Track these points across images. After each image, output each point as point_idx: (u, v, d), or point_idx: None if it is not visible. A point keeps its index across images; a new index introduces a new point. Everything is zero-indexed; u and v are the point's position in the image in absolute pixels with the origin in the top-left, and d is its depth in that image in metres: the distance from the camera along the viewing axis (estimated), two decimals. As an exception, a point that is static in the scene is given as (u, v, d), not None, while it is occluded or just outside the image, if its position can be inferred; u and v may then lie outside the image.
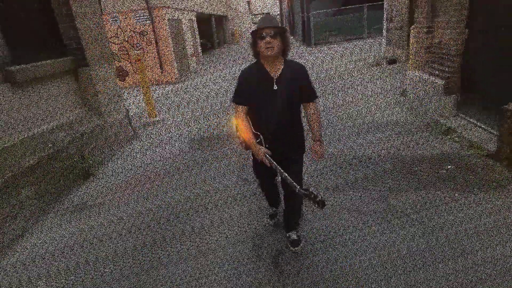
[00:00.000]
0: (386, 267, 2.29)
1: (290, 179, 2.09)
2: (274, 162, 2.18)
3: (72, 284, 2.52)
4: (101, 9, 5.91)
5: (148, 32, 11.75)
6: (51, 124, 4.19)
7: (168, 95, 10.13)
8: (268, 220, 2.96)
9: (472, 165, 3.45)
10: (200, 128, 6.11)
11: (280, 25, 2.18)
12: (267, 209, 3.02)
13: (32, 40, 4.27)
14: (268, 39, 2.08)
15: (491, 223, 2.54)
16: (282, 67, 2.22)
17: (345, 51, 13.97)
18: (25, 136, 3.77)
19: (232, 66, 14.39)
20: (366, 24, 17.83)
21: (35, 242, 3.19)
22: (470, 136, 3.92)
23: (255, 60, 2.28)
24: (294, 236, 2.63)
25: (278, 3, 36.31)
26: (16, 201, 3.39)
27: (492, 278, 2.08)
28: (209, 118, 6.81)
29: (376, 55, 11.46)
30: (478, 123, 4.04)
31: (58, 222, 3.50)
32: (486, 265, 2.18)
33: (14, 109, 3.69)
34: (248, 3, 43.59)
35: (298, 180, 2.22)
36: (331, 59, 12.33)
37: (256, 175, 2.73)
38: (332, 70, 10.11)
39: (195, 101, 8.73)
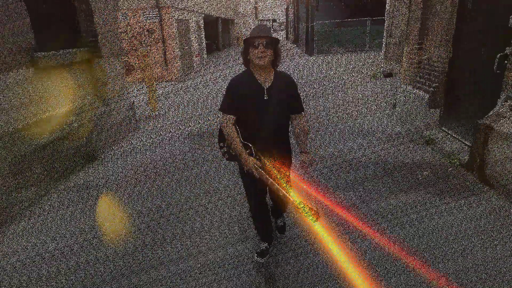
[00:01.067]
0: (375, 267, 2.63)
1: (283, 191, 2.09)
2: (265, 174, 2.15)
3: (72, 284, 2.52)
4: (117, 6, 6.26)
5: (156, 30, 12.12)
6: (64, 108, 4.52)
7: (170, 92, 10.48)
8: (257, 258, 2.56)
9: (446, 173, 3.81)
10: (198, 125, 6.46)
11: (272, 35, 2.18)
12: (257, 245, 2.69)
13: (54, 30, 4.61)
14: (261, 48, 2.07)
15: (459, 226, 2.87)
16: (273, 77, 2.21)
17: (345, 62, 14.39)
18: (42, 117, 4.09)
19: (233, 67, 14.76)
20: (368, 37, 18.31)
21: (41, 213, 3.51)
22: (448, 147, 4.28)
23: (245, 69, 2.26)
24: (280, 223, 2.81)
25: (284, 11, 36.91)
26: (28, 174, 3.71)
27: (457, 274, 2.42)
28: (208, 115, 7.16)
29: (375, 67, 11.87)
30: (456, 136, 4.40)
31: (63, 198, 3.82)
32: (452, 259, 2.52)
33: (35, 91, 4.01)
34: (255, 9, 44.19)
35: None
36: (331, 69, 12.73)
37: (247, 192, 2.50)
38: (331, 78, 10.51)
39: (196, 99, 9.07)
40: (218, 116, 7.16)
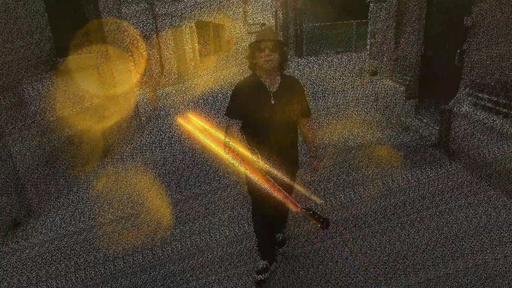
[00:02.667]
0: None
1: (290, 198, 2.09)
2: (271, 179, 2.12)
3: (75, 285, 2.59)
4: (121, 15, 6.80)
5: (152, 37, 12.64)
6: (80, 106, 5.03)
7: (169, 94, 11.01)
8: (255, 275, 2.39)
9: (419, 151, 4.43)
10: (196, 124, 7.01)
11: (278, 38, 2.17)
12: (256, 262, 2.50)
13: (70, 38, 5.13)
14: (267, 52, 2.05)
15: (425, 187, 3.49)
16: (279, 81, 2.19)
17: (333, 62, 15.10)
18: (62, 115, 4.60)
19: (224, 69, 15.34)
20: (354, 39, 19.08)
21: (70, 200, 4.03)
22: (422, 131, 4.91)
23: (251, 73, 2.23)
24: (280, 238, 2.69)
25: (273, 15, 37.66)
26: (58, 166, 4.22)
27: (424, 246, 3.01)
28: (205, 114, 7.73)
29: (361, 67, 12.56)
30: (429, 122, 5.03)
31: (84, 188, 4.35)
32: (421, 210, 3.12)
33: (56, 92, 4.52)
34: (244, 13, 44.89)
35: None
36: (320, 69, 13.41)
37: (253, 208, 2.42)
38: (319, 78, 11.16)
39: (192, 100, 9.63)
40: (213, 113, 7.72)
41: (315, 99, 8.00)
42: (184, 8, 15.25)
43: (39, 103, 4.08)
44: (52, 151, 4.15)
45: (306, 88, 9.31)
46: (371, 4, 11.13)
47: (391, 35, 5.97)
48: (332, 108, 7.11)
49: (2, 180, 3.31)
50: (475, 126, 3.58)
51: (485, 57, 3.52)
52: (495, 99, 3.39)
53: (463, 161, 3.80)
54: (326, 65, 14.46)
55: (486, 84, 3.55)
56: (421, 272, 2.34)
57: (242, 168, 2.17)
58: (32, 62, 4.03)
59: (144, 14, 12.31)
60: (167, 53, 12.95)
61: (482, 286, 2.18)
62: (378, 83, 7.28)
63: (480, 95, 3.64)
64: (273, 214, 2.37)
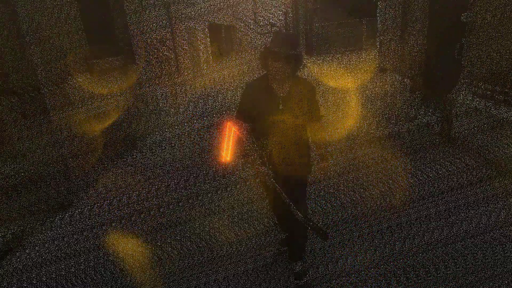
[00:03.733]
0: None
1: (294, 207, 2.05)
2: (278, 186, 2.09)
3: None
4: (143, 19, 7.31)
5: (168, 39, 13.19)
6: (112, 104, 5.55)
7: (185, 91, 11.58)
8: (280, 247, 2.60)
9: (423, 139, 4.78)
10: (209, 115, 7.50)
11: (296, 44, 2.10)
12: (278, 234, 2.67)
13: (100, 43, 5.65)
14: (281, 64, 1.99)
15: (427, 168, 3.85)
16: (290, 85, 2.13)
17: (344, 60, 15.40)
18: (96, 112, 5.12)
19: (235, 70, 15.85)
20: (364, 37, 19.29)
21: (104, 185, 4.53)
22: (427, 120, 5.24)
23: (263, 73, 2.19)
24: (297, 268, 2.35)
25: (283, 15, 38.01)
26: (91, 156, 4.73)
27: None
28: (217, 107, 8.24)
29: (371, 64, 12.84)
30: (433, 112, 5.36)
31: (117, 174, 4.85)
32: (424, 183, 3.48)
33: (89, 93, 5.04)
34: (254, 14, 45.37)
35: (302, 206, 2.18)
36: (330, 67, 13.74)
37: (271, 204, 2.43)
38: (330, 76, 11.50)
39: (206, 96, 10.15)
40: (224, 107, 8.17)
41: (325, 96, 8.38)
42: (197, 11, 15.80)
43: (80, 97, 4.60)
44: (91, 140, 4.67)
45: (317, 84, 9.71)
46: (379, 3, 11.43)
47: (397, 32, 6.30)
48: (341, 105, 7.48)
49: (52, 166, 3.82)
50: (473, 113, 3.92)
51: (480, 50, 3.86)
52: (490, 87, 3.72)
53: (463, 146, 4.13)
54: (336, 63, 14.78)
55: (482, 74, 3.89)
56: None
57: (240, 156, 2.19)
58: (72, 61, 4.54)
59: (162, 18, 12.87)
60: (182, 54, 13.49)
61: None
62: (386, 79, 7.61)
63: (477, 84, 3.98)
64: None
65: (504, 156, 3.40)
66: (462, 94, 4.19)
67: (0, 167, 3.32)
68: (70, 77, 4.42)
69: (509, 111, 3.38)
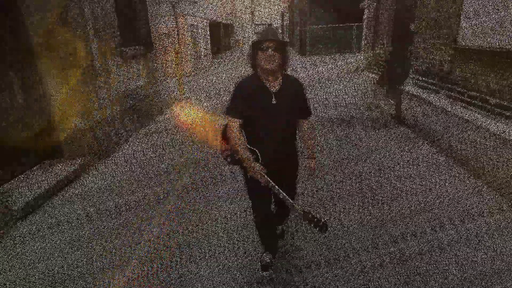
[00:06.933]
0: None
1: (289, 200, 2.08)
2: (271, 181, 2.11)
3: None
4: (159, 15, 8.55)
5: (172, 34, 14.43)
6: (136, 84, 6.81)
7: (187, 84, 12.82)
8: (261, 272, 2.42)
9: (382, 121, 6.16)
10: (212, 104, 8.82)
11: (281, 38, 2.14)
12: (259, 257, 2.52)
13: (127, 34, 6.90)
14: (269, 52, 2.04)
15: (379, 141, 5.21)
16: (281, 81, 2.18)
17: (333, 61, 16.83)
18: (128, 88, 6.38)
19: (233, 65, 17.13)
20: (354, 40, 20.78)
21: (130, 148, 5.82)
22: (387, 108, 6.63)
23: (253, 72, 2.22)
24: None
25: (280, 16, 39.48)
26: (123, 123, 6.01)
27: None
28: (214, 101, 9.52)
29: (356, 65, 14.29)
30: (393, 102, 6.75)
31: (141, 138, 6.14)
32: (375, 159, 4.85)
33: (120, 73, 6.29)
34: (252, 14, 46.70)
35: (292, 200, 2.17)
36: (320, 66, 15.15)
37: (251, 199, 2.38)
38: (320, 73, 12.90)
39: (207, 88, 11.43)
40: (224, 99, 9.42)
41: (314, 90, 9.76)
42: (199, 9, 17.04)
43: (117, 76, 5.86)
44: (124, 111, 5.94)
45: (307, 82, 11.08)
46: (365, 11, 12.85)
47: (370, 37, 7.69)
48: (324, 93, 8.87)
49: (102, 123, 5.08)
50: (414, 99, 5.30)
51: (420, 52, 5.24)
52: (426, 79, 5.10)
53: (409, 125, 5.52)
54: (326, 63, 16.20)
55: (422, 70, 5.27)
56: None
57: (242, 163, 2.22)
58: (110, 48, 5.80)
59: (168, 14, 14.11)
60: (185, 49, 14.73)
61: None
62: (363, 76, 9.02)
63: (418, 77, 5.36)
64: (271, 211, 2.44)
65: (433, 129, 4.77)
66: (408, 85, 5.56)
67: (71, 119, 4.59)
68: (110, 59, 5.69)
69: (435, 97, 4.74)
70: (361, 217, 3.19)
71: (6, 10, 4.11)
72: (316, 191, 3.71)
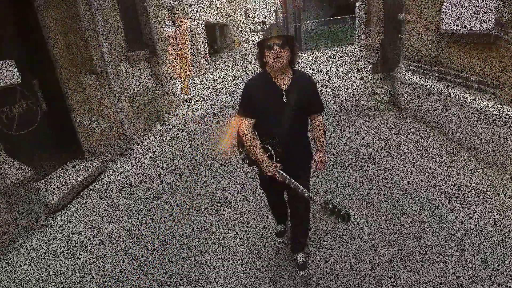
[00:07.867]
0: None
1: (308, 193, 2.10)
2: (288, 177, 2.14)
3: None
4: (161, 20, 8.93)
5: (172, 37, 14.80)
6: (143, 87, 7.19)
7: (190, 85, 13.21)
8: (276, 238, 2.82)
9: (378, 107, 6.51)
10: (214, 104, 9.19)
11: (287, 33, 2.09)
12: (274, 227, 2.88)
13: (132, 40, 7.28)
14: (276, 49, 2.00)
15: (377, 128, 5.55)
16: (291, 77, 2.16)
17: (330, 54, 17.16)
18: (134, 92, 6.76)
19: (233, 67, 17.53)
20: (349, 32, 21.07)
21: (143, 145, 6.21)
22: (383, 94, 6.98)
23: (261, 70, 2.21)
24: (301, 259, 2.50)
25: (274, 13, 39.70)
26: (137, 121, 6.40)
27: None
28: (220, 98, 9.89)
29: (352, 56, 14.62)
30: (388, 88, 7.10)
31: (153, 137, 6.52)
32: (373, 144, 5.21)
33: (129, 77, 6.67)
34: (245, 12, 46.95)
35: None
36: (317, 60, 15.49)
37: (265, 191, 2.58)
38: (317, 66, 13.25)
39: (210, 89, 11.81)
40: (227, 97, 9.77)
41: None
42: (195, 11, 17.40)
43: (127, 79, 6.25)
44: (135, 112, 6.34)
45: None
46: (357, 3, 13.17)
47: (363, 27, 8.03)
48: (322, 84, 9.22)
49: (115, 123, 5.47)
50: (406, 84, 5.66)
51: (409, 39, 5.60)
52: (415, 64, 5.46)
53: (404, 110, 5.88)
54: (323, 57, 16.55)
55: (411, 55, 5.62)
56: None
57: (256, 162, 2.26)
58: (116, 52, 6.18)
59: (167, 18, 14.47)
60: (185, 52, 15.10)
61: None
62: (358, 65, 9.36)
63: (408, 63, 5.71)
64: (282, 198, 2.60)
65: (424, 111, 5.12)
66: (400, 70, 5.92)
67: (90, 122, 4.98)
68: (118, 64, 6.07)
69: (424, 79, 5.10)
70: (369, 209, 3.13)
71: (33, 31, 4.50)
72: (324, 181, 3.71)
